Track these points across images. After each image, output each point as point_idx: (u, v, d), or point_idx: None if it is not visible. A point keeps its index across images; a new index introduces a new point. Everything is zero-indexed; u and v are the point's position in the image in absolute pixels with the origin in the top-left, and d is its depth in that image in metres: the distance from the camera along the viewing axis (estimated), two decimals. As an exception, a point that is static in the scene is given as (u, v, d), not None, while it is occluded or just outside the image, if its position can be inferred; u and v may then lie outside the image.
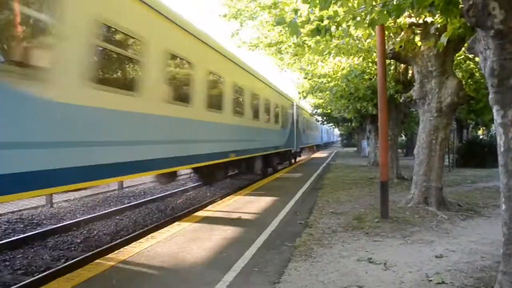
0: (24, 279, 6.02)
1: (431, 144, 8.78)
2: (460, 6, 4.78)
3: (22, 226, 9.29)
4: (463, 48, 9.66)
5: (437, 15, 7.34)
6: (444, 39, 5.98)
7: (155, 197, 13.20)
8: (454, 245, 5.92)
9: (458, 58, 12.58)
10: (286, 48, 13.54)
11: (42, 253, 7.41)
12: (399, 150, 18.37)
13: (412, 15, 8.26)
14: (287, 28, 10.18)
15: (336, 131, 79.97)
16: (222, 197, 12.28)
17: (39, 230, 8.75)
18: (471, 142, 23.76)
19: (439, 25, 7.50)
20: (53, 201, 11.77)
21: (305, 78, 17.02)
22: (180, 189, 15.16)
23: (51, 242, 8.09)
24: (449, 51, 8.55)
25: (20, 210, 10.80)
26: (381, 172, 8.26)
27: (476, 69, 14.20)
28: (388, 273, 4.74)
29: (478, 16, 3.47)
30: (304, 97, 19.37)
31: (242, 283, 4.44)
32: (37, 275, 6.19)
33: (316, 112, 34.45)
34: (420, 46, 8.89)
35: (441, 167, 8.86)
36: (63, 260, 7.01)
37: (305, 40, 11.71)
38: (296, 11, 5.91)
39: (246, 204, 9.71)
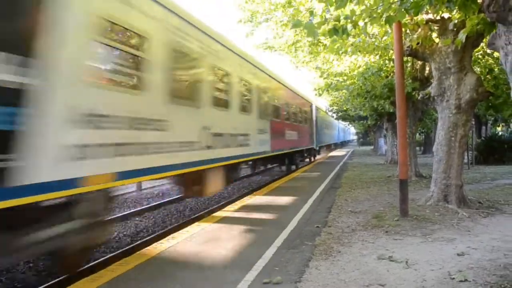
0: (48, 280, 6.13)
1: (450, 142, 8.69)
2: (479, 1, 4.74)
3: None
4: (481, 44, 9.54)
5: (455, 11, 7.28)
6: (462, 36, 5.94)
7: (173, 198, 13.30)
8: (475, 243, 5.86)
9: (476, 54, 12.41)
10: (301, 47, 13.55)
11: (65, 254, 7.53)
12: (417, 148, 18.20)
13: (430, 11, 8.19)
14: (302, 30, 10.22)
15: (353, 130, 79.61)
16: (240, 197, 12.32)
17: (61, 231, 8.88)
18: (490, 139, 23.42)
19: (457, 21, 7.44)
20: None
21: (321, 77, 16.99)
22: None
23: (74, 243, 8.21)
24: (467, 47, 8.45)
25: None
26: (400, 170, 8.21)
27: (495, 65, 13.99)
28: (409, 271, 4.72)
29: (499, 12, 3.45)
30: (320, 95, 19.32)
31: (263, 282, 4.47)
32: (61, 276, 6.28)
33: (332, 109, 34.53)
34: (437, 43, 8.81)
35: (460, 165, 8.76)
36: (85, 262, 7.11)
37: (320, 40, 11.69)
38: (311, 12, 5.93)
39: (265, 204, 9.74)
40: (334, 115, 37.95)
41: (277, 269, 4.89)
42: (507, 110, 20.13)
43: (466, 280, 4.33)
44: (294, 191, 12.01)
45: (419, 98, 10.27)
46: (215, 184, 9.18)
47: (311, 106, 24.75)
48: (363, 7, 5.73)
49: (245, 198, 11.08)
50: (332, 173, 18.06)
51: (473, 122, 22.23)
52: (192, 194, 9.83)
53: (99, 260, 6.84)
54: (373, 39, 10.63)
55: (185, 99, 7.52)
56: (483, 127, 30.84)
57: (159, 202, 12.58)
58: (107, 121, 5.17)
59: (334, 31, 5.46)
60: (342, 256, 5.40)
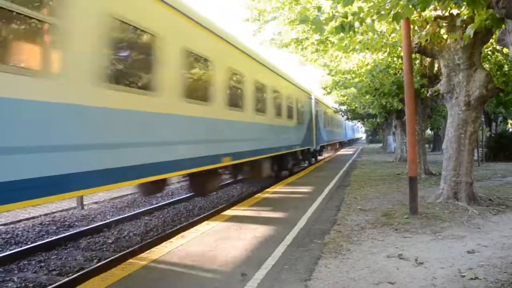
0: (59, 279, 6.19)
1: (460, 139, 8.64)
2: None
3: (55, 228, 9.54)
4: (491, 40, 9.46)
5: (464, 7, 7.22)
6: (470, 31, 5.89)
7: (182, 197, 13.36)
8: (486, 240, 5.83)
9: (486, 50, 12.31)
10: (308, 45, 13.52)
11: (75, 254, 7.60)
12: (426, 145, 18.10)
13: (438, 7, 8.14)
14: (310, 26, 10.21)
15: (361, 128, 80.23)
16: (249, 196, 12.34)
17: (71, 231, 8.97)
18: (500, 136, 23.23)
19: (465, 17, 7.39)
20: (84, 203, 12.05)
21: (329, 74, 16.95)
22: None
23: (84, 243, 8.29)
24: (476, 43, 8.39)
25: (52, 213, 11.09)
26: (409, 168, 8.17)
27: (505, 61, 13.88)
28: (419, 269, 4.71)
29: (508, 7, 3.41)
30: (328, 93, 19.29)
31: (273, 280, 4.47)
32: (72, 275, 6.35)
33: (340, 108, 34.67)
34: (446, 39, 8.75)
35: (470, 162, 8.71)
36: (96, 260, 7.17)
37: (328, 37, 11.66)
38: (319, 8, 5.91)
39: (274, 202, 9.75)
40: (342, 113, 38.36)
41: (287, 267, 4.90)
42: (517, 107, 19.99)
43: (476, 278, 4.31)
44: (303, 189, 12.01)
45: (428, 95, 10.20)
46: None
47: (344, 119, 43.42)
48: (371, 3, 5.70)
49: (253, 197, 11.09)
50: (341, 171, 18.02)
51: (483, 119, 22.06)
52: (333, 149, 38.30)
53: (109, 259, 6.91)
54: (381, 36, 10.58)
55: (331, 126, 31.55)
56: (493, 124, 30.57)
57: (169, 201, 12.65)
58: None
59: (341, 28, 5.43)
60: (351, 254, 5.39)
